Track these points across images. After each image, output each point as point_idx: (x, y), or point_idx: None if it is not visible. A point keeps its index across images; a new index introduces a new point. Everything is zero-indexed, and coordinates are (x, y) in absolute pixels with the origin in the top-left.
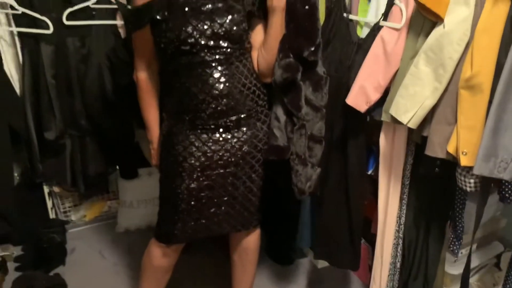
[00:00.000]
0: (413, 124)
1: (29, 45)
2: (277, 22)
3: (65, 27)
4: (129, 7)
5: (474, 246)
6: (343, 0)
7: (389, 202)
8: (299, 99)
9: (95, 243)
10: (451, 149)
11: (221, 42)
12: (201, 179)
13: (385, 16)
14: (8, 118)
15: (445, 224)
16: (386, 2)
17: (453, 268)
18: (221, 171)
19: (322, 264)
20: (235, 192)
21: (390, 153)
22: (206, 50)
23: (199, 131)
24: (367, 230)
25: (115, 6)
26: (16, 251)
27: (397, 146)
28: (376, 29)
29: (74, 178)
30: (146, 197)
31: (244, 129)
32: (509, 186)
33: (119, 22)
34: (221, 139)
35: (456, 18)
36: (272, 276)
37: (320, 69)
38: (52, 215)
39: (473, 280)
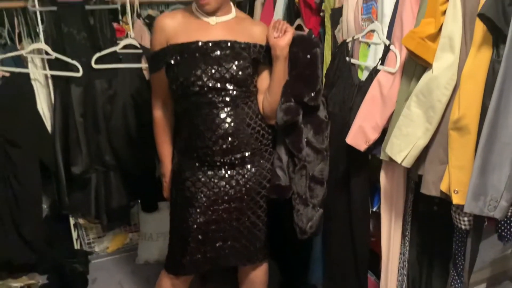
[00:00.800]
0: (407, 163)
1: (60, 86)
2: (281, 69)
3: (93, 70)
4: None
5: (483, 286)
6: (346, 45)
7: (391, 239)
8: (300, 141)
9: (115, 274)
10: (444, 187)
11: (227, 85)
12: (208, 213)
13: (382, 60)
14: (39, 154)
15: (447, 262)
16: (383, 48)
17: None
18: (227, 206)
19: None
20: (240, 226)
21: (391, 190)
22: (213, 92)
23: (206, 167)
24: (376, 265)
25: (140, 51)
26: (42, 279)
27: (396, 184)
28: (374, 72)
29: (98, 211)
30: (166, 230)
31: (249, 166)
32: (505, 225)
33: (143, 65)
34: (226, 175)
35: (443, 64)
36: None
37: (322, 113)
38: (76, 246)
39: None
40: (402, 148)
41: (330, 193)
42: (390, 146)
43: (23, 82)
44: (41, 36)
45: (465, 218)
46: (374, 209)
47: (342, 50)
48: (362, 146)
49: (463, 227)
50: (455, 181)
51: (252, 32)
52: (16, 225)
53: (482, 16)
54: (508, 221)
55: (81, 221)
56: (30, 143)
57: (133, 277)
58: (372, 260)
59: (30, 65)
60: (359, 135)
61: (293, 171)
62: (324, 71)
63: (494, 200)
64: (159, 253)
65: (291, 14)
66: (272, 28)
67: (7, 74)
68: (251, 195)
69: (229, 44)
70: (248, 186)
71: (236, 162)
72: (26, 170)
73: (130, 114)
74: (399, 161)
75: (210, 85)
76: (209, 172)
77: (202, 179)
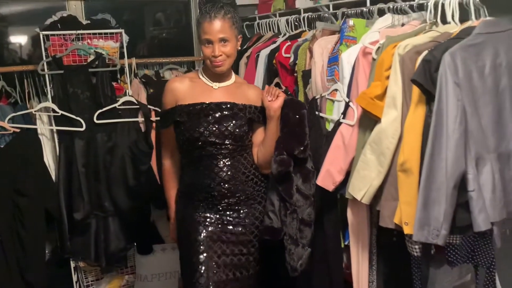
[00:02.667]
0: (366, 200)
1: (65, 140)
2: (274, 127)
3: (95, 125)
4: (149, 107)
5: None
6: (315, 101)
7: (360, 269)
8: (291, 188)
9: None
10: (397, 220)
11: (226, 140)
12: (209, 251)
13: (343, 115)
14: (44, 202)
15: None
16: (344, 104)
17: None
18: (223, 244)
19: None
20: (238, 262)
21: (357, 225)
22: (214, 146)
23: (204, 210)
24: None
25: (137, 106)
26: None
27: (361, 219)
28: (337, 125)
29: (98, 254)
30: (160, 271)
31: (243, 209)
32: (451, 251)
33: (140, 119)
34: (224, 217)
35: (389, 119)
36: None
37: (309, 164)
38: None
39: None
40: (361, 188)
41: None
42: (352, 186)
43: (32, 137)
44: (49, 95)
45: (416, 246)
46: (346, 243)
47: (312, 105)
48: (330, 187)
49: (415, 254)
50: (405, 214)
51: (248, 95)
52: (20, 269)
53: (414, 81)
54: (453, 248)
55: (81, 264)
56: (36, 192)
57: None
58: None
59: (38, 121)
60: (327, 177)
61: (284, 214)
62: None
63: (436, 229)
64: None
65: (271, 74)
66: (266, 92)
67: (18, 130)
68: (246, 234)
69: (228, 105)
70: (242, 226)
71: (232, 205)
72: (32, 217)
73: (128, 164)
74: (359, 199)
75: (211, 140)
76: (208, 214)
77: (201, 221)
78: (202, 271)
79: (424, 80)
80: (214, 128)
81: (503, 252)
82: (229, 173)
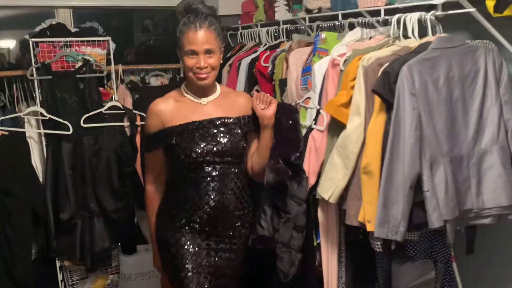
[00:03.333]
0: (333, 200)
1: (52, 143)
2: (268, 135)
3: (82, 128)
4: (135, 111)
5: None
6: None
7: (329, 265)
8: (286, 197)
9: None
10: (360, 218)
11: (224, 158)
12: (196, 272)
13: (315, 121)
14: (32, 202)
15: (374, 282)
16: (315, 111)
17: None
18: (211, 266)
19: None
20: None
21: (327, 224)
22: (211, 165)
23: (190, 233)
24: None
25: (123, 111)
26: None
27: (331, 218)
28: (309, 130)
29: (83, 254)
30: (143, 270)
31: (232, 234)
32: (410, 247)
33: (126, 123)
34: (210, 243)
35: (353, 125)
36: None
37: (302, 171)
38: (61, 287)
39: None
40: (328, 188)
41: None
42: (320, 187)
43: (20, 140)
44: (37, 100)
45: (378, 242)
46: (318, 242)
47: None
48: None
49: (377, 249)
50: (368, 213)
51: (238, 104)
52: (7, 267)
53: (374, 91)
54: (412, 244)
55: (66, 263)
56: (24, 193)
57: None
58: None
59: (26, 125)
60: None
61: (277, 223)
62: None
63: (395, 226)
64: None
65: (251, 82)
66: (257, 100)
67: (6, 133)
68: (234, 258)
69: (221, 121)
70: (230, 249)
71: (221, 230)
72: (19, 217)
73: (113, 166)
74: (326, 198)
75: (209, 159)
76: (196, 239)
77: (186, 245)
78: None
79: (384, 90)
80: (211, 146)
81: (463, 248)
82: (220, 192)
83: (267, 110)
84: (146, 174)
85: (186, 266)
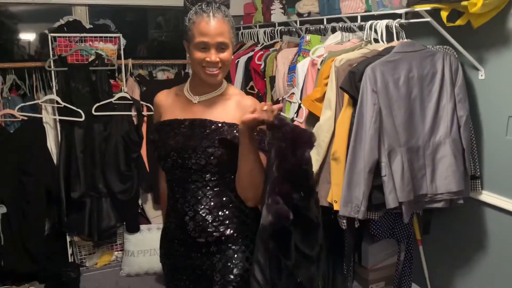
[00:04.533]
0: None
1: (66, 128)
2: (243, 149)
3: (93, 116)
4: (142, 102)
5: (383, 284)
6: (278, 103)
7: None
8: (288, 246)
9: (102, 284)
10: (329, 199)
11: (203, 166)
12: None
13: (297, 114)
14: (46, 181)
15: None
16: (297, 105)
17: None
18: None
19: None
20: None
21: None
22: (184, 170)
23: (178, 242)
24: None
25: (131, 102)
26: (41, 287)
27: None
28: (292, 121)
29: (91, 230)
30: (145, 248)
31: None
32: (373, 226)
33: (133, 113)
34: (193, 255)
35: (325, 117)
36: None
37: (313, 213)
38: (71, 261)
39: None
40: None
41: None
42: None
43: (37, 125)
44: (54, 89)
45: (344, 220)
46: None
47: None
48: None
49: (343, 227)
50: (335, 194)
51: (236, 111)
52: (23, 238)
53: (341, 88)
54: (375, 223)
55: (76, 239)
56: (39, 173)
57: (117, 286)
58: None
59: (43, 111)
60: None
61: (277, 276)
62: None
63: (357, 206)
64: (139, 268)
65: (247, 78)
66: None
67: (25, 118)
68: (221, 273)
69: (201, 122)
70: (214, 269)
71: (207, 244)
72: (34, 194)
73: (120, 152)
74: None
75: (180, 161)
76: (182, 248)
77: (173, 254)
78: None
79: (350, 88)
80: (182, 150)
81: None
82: (204, 205)
83: (247, 115)
84: (159, 170)
85: None
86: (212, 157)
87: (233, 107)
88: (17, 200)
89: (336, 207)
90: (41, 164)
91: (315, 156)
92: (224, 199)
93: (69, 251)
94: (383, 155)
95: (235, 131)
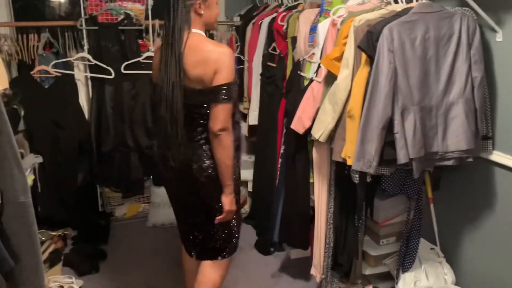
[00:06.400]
0: (322, 139)
1: (97, 86)
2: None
3: (122, 75)
4: None
5: (393, 239)
6: (299, 63)
7: (320, 197)
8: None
9: (130, 233)
10: (343, 155)
11: None
12: None
13: (316, 73)
14: (78, 135)
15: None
16: (317, 65)
17: (375, 251)
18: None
19: (294, 255)
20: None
21: (319, 161)
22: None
23: None
24: None
25: None
26: (74, 233)
27: (323, 157)
28: (310, 81)
29: (120, 182)
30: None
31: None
32: (384, 181)
33: None
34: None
35: (343, 76)
36: (256, 262)
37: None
38: (101, 210)
39: (390, 261)
40: (319, 129)
41: (283, 167)
42: (313, 129)
43: (70, 81)
44: (85, 47)
45: (356, 175)
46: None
47: (296, 66)
48: (300, 130)
49: (355, 181)
50: (348, 150)
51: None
52: (57, 186)
53: (359, 47)
54: (386, 178)
55: (106, 190)
56: (72, 127)
57: (143, 235)
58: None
59: (75, 69)
60: (298, 123)
61: None
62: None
63: (369, 161)
64: (164, 218)
65: (270, 39)
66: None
67: (59, 74)
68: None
69: None
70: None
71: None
72: (67, 146)
73: (147, 110)
74: (317, 138)
75: None
76: None
77: None
78: None
79: (367, 47)
80: None
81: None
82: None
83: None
84: (230, 123)
85: None
86: None
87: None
88: (52, 152)
89: (349, 162)
90: (73, 118)
91: (332, 114)
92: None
93: (100, 202)
94: (396, 113)
95: None
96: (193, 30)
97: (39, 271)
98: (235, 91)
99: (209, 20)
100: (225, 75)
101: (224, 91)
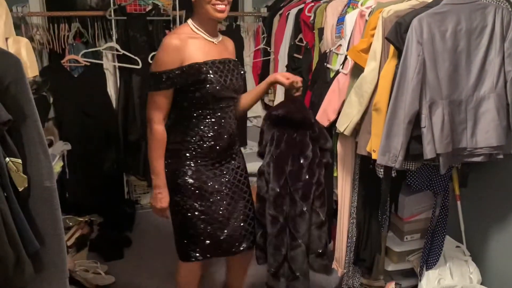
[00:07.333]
0: (347, 132)
1: (124, 75)
2: (259, 95)
3: (149, 65)
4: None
5: (418, 235)
6: (325, 54)
7: (344, 191)
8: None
9: (154, 221)
10: (368, 149)
11: (237, 93)
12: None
13: (342, 65)
14: (106, 124)
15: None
16: (344, 57)
17: (398, 247)
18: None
19: None
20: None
21: (344, 155)
22: (228, 100)
23: (218, 164)
24: None
25: None
26: (100, 219)
27: (347, 151)
28: (336, 73)
29: (145, 171)
30: None
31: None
32: (410, 177)
33: None
34: (230, 166)
35: (369, 68)
36: None
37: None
38: (126, 198)
39: (413, 258)
40: (344, 122)
41: None
42: (339, 122)
43: (98, 70)
44: (114, 37)
45: (381, 169)
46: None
47: (322, 58)
48: (325, 123)
49: (380, 175)
50: (374, 144)
51: (230, 49)
52: (85, 175)
53: (387, 38)
54: (411, 174)
55: (132, 178)
56: (99, 115)
57: (167, 224)
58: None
59: (104, 58)
60: (323, 115)
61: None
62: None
63: (394, 155)
64: None
65: (297, 30)
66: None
67: (88, 64)
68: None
69: (232, 61)
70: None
71: (233, 155)
72: (95, 134)
73: None
74: (342, 131)
75: (228, 94)
76: (222, 168)
77: (219, 174)
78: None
79: (395, 38)
80: (233, 81)
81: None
82: (234, 124)
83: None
84: (154, 114)
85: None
86: (241, 87)
87: (231, 46)
88: (80, 140)
89: (374, 156)
90: (101, 107)
91: (357, 107)
92: (234, 117)
93: (126, 190)
94: (424, 107)
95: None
96: (188, 21)
97: (63, 255)
98: (161, 82)
99: (199, 5)
100: (152, 64)
101: (150, 79)
